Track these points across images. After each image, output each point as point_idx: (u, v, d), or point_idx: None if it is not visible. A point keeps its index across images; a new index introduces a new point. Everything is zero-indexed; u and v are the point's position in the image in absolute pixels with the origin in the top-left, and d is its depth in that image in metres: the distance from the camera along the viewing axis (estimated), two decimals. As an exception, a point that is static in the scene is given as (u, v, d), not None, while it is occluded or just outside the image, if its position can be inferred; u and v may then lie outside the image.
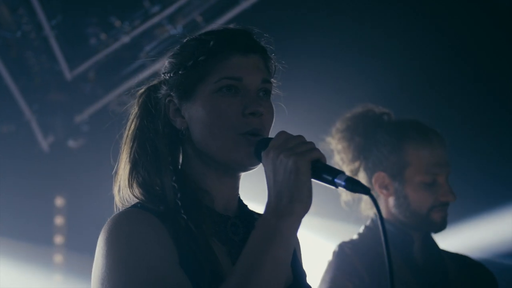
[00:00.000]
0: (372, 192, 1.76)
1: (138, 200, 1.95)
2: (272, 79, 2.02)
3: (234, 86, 1.92)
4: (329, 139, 3.26)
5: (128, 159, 1.99)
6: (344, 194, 3.22)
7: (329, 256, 3.10)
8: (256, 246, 1.74)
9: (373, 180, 3.12)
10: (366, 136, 3.19)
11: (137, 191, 1.95)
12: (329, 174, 1.75)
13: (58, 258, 5.45)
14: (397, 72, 4.90)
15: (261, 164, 1.92)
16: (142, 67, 5.28)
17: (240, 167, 1.94)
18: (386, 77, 4.83)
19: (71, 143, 5.44)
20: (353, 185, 1.73)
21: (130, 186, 1.96)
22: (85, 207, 5.44)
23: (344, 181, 1.73)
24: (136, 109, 2.05)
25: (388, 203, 3.13)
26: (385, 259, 1.74)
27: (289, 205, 1.74)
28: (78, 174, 5.47)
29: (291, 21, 4.73)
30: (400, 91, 4.84)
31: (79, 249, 5.41)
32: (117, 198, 2.00)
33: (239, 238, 1.96)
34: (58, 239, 5.46)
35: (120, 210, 1.97)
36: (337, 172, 1.75)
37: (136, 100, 2.06)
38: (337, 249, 3.11)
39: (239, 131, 1.90)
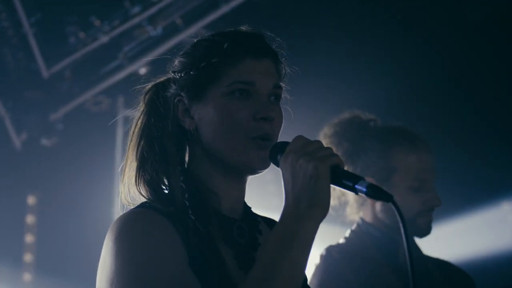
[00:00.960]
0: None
1: (145, 199, 1.94)
2: (281, 83, 2.02)
3: (246, 90, 1.92)
4: None
5: (135, 157, 1.97)
6: (331, 199, 3.25)
7: (316, 260, 3.13)
8: (274, 249, 1.73)
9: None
10: (354, 142, 3.22)
11: (144, 189, 1.94)
12: (350, 180, 1.75)
13: (28, 257, 5.40)
14: (382, 81, 4.99)
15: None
16: (120, 67, 5.29)
17: (249, 170, 1.94)
18: (372, 86, 4.91)
19: (44, 142, 5.40)
20: (375, 192, 1.73)
21: (137, 184, 1.95)
22: (57, 206, 5.42)
23: (366, 188, 1.73)
24: (143, 106, 2.02)
25: (375, 208, 3.18)
26: (408, 267, 1.76)
27: (308, 210, 1.73)
28: (50, 172, 5.43)
29: (272, 27, 4.75)
30: (385, 100, 4.91)
31: (50, 248, 5.38)
32: (122, 196, 1.99)
33: (244, 241, 1.96)
34: (29, 238, 5.41)
35: (126, 208, 1.95)
36: (358, 178, 1.75)
37: (142, 96, 2.03)
38: (324, 252, 3.13)
39: (249, 135, 1.90)
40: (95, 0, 5.08)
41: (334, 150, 3.18)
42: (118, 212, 5.79)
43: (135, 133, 2.01)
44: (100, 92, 5.36)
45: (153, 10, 5.06)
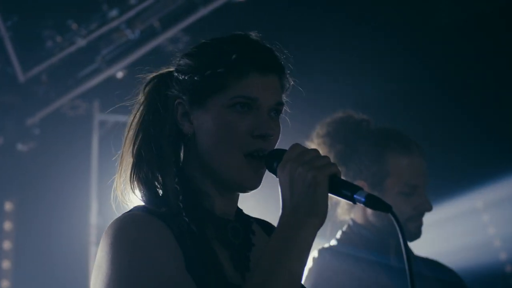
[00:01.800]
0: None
1: (138, 196, 1.94)
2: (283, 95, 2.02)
3: (248, 104, 1.92)
4: (308, 143, 3.29)
5: (131, 153, 1.97)
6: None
7: (309, 263, 3.12)
8: (273, 257, 1.75)
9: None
10: (347, 144, 3.23)
11: (138, 187, 1.95)
12: (349, 190, 1.77)
13: (6, 264, 5.32)
14: (371, 83, 5.05)
15: None
16: (97, 71, 5.25)
17: (240, 188, 1.96)
18: (362, 87, 4.95)
19: (21, 147, 5.34)
20: (373, 202, 1.75)
21: (132, 181, 1.96)
22: (34, 212, 5.36)
23: (365, 198, 1.74)
24: (142, 98, 2.02)
25: (366, 211, 3.18)
26: (408, 278, 1.78)
27: (307, 218, 1.75)
28: (27, 178, 5.37)
29: (252, 29, 4.75)
30: (375, 101, 4.96)
31: (28, 254, 5.33)
32: (118, 191, 1.99)
33: (239, 242, 1.97)
34: (7, 245, 5.34)
35: (119, 209, 1.95)
36: (357, 188, 1.77)
37: (142, 87, 2.03)
38: (316, 255, 3.13)
39: (244, 151, 1.91)
40: (72, 3, 5.02)
41: (327, 151, 3.24)
42: (95, 216, 5.75)
43: (133, 126, 2.00)
44: (77, 96, 5.30)
45: (131, 13, 5.01)
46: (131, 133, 1.99)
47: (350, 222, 3.23)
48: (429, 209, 3.15)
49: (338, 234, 3.26)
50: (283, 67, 2.00)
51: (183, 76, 1.97)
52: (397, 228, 1.74)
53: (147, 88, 2.02)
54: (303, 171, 1.77)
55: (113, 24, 5.02)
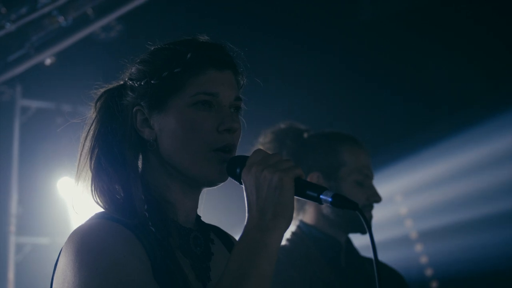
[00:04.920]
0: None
1: (102, 209, 1.90)
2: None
3: (209, 101, 1.93)
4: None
5: (89, 166, 1.94)
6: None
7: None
8: (242, 260, 1.76)
9: (308, 180, 3.15)
10: (298, 141, 3.27)
11: (100, 198, 1.91)
12: (314, 191, 1.80)
13: None
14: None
15: None
16: (25, 57, 5.09)
17: (209, 183, 1.95)
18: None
19: None
20: (340, 201, 1.78)
21: (93, 194, 1.92)
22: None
23: (331, 197, 1.78)
24: (95, 114, 1.98)
25: (317, 212, 3.23)
26: (375, 274, 1.82)
27: (273, 220, 1.77)
28: None
29: (184, 20, 4.73)
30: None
31: None
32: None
33: (200, 251, 1.97)
34: None
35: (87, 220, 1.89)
36: (322, 189, 1.80)
37: (94, 103, 1.99)
38: (269, 255, 3.14)
39: (212, 147, 1.91)
40: (1, -14, 4.84)
41: (277, 151, 3.25)
42: (15, 205, 5.60)
43: (88, 140, 1.96)
44: (3, 82, 5.13)
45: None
46: (87, 147, 1.95)
47: (299, 223, 3.27)
48: (379, 200, 3.22)
49: (288, 235, 3.28)
50: (236, 64, 2.01)
51: (138, 83, 1.95)
52: (364, 224, 1.77)
53: (99, 102, 1.99)
54: (268, 174, 1.78)
55: (45, 10, 4.86)
